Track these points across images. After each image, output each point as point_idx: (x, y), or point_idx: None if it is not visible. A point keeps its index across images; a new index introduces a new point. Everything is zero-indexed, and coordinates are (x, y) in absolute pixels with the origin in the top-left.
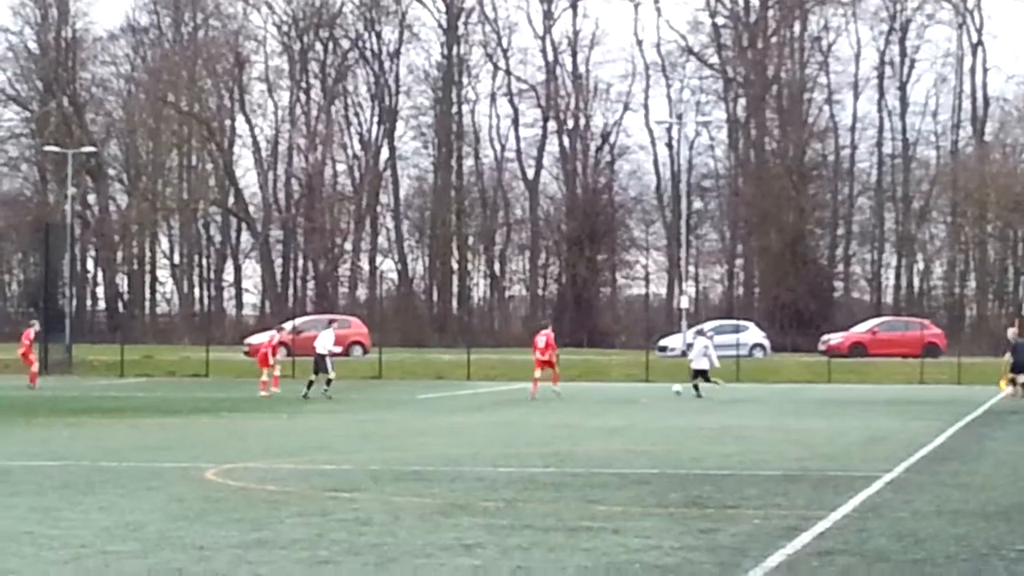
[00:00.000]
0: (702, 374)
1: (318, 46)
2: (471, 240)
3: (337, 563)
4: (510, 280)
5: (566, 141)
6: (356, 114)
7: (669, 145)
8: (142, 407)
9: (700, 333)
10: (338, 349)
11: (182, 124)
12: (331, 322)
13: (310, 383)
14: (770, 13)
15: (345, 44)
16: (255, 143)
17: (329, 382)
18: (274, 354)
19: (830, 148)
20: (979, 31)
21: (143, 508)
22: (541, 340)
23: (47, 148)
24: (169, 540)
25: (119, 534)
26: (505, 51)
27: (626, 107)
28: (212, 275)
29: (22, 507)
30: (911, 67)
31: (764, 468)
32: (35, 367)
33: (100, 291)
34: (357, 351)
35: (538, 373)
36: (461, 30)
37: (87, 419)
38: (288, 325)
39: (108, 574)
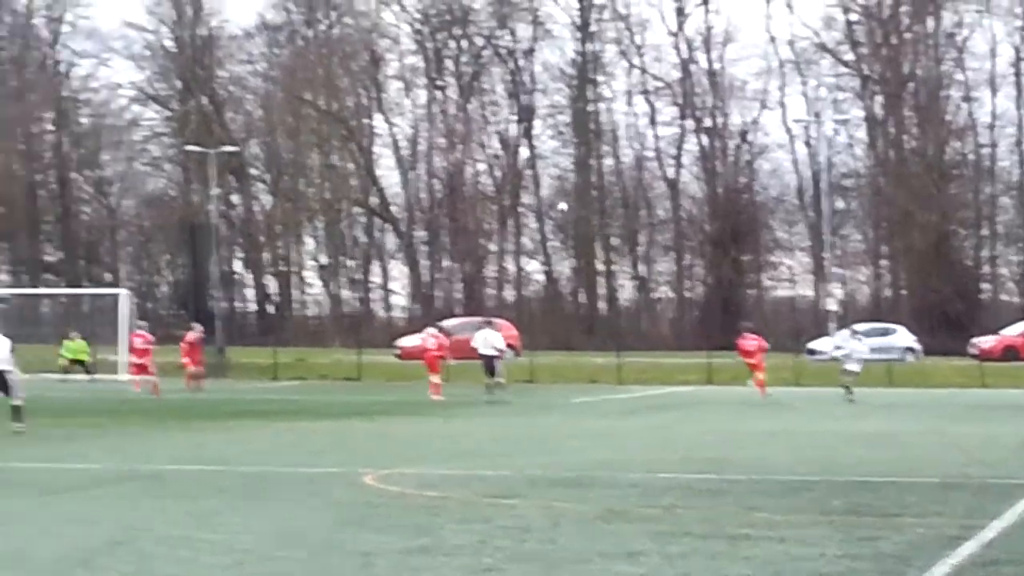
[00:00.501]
0: (851, 376)
1: (452, 44)
2: (615, 241)
3: (501, 570)
4: (655, 282)
5: (704, 139)
6: (494, 112)
7: (808, 144)
8: (297, 410)
9: (854, 334)
10: (504, 348)
11: (321, 123)
12: (488, 322)
13: (491, 384)
14: (903, 9)
15: (479, 42)
16: (394, 142)
17: (498, 385)
18: (441, 357)
19: (970, 146)
20: None
21: (303, 513)
22: (751, 343)
23: (188, 147)
24: (331, 546)
25: (282, 540)
26: (639, 48)
27: (763, 105)
28: (359, 276)
29: (181, 512)
30: None
31: (922, 475)
32: (193, 370)
33: (250, 293)
34: (509, 354)
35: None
36: (594, 27)
37: (242, 423)
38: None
39: None
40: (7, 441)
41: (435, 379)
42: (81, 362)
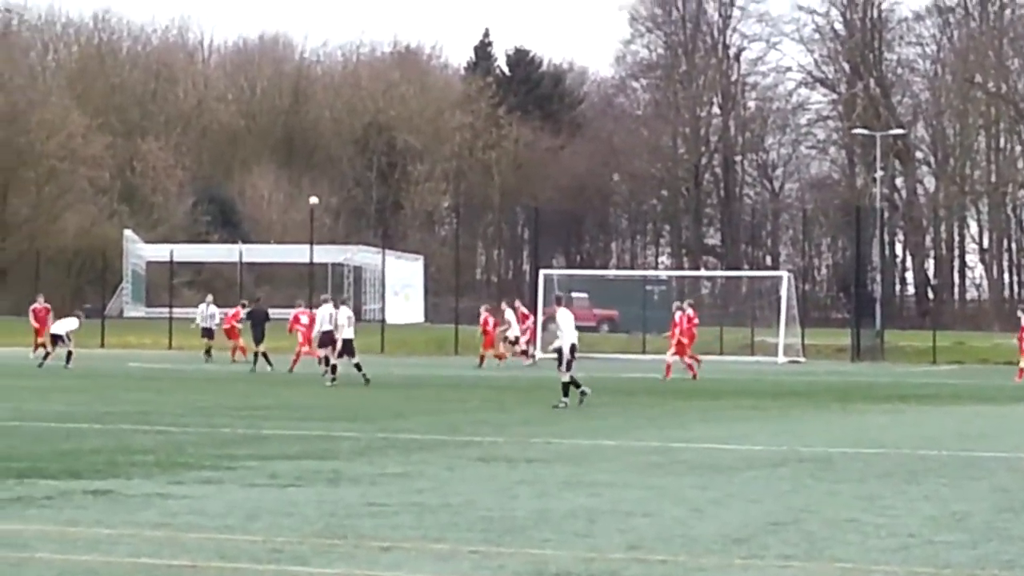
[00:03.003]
0: None
1: None
2: None
3: None
4: None
5: None
6: None
7: None
8: (957, 394)
9: None
10: None
11: (989, 105)
12: None
13: None
14: None
15: None
16: None
17: None
18: None
19: None
20: None
21: (968, 498)
22: None
23: (855, 131)
24: (996, 531)
25: (945, 524)
26: None
27: None
28: (1021, 261)
29: (846, 494)
30: None
31: None
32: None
33: (909, 276)
34: None
35: None
36: None
37: (903, 405)
38: None
39: (936, 564)
40: (672, 420)
41: None
42: None
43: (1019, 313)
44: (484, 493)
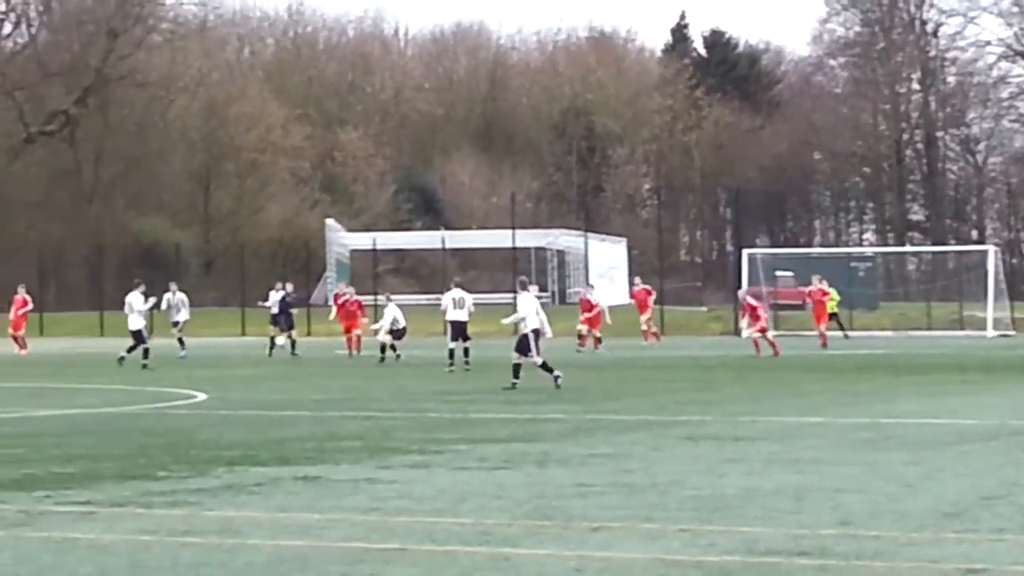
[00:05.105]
0: None
1: None
2: None
3: None
4: None
5: None
6: None
7: None
8: None
9: None
10: None
11: None
12: None
13: None
14: None
15: None
16: None
17: None
18: None
19: None
20: None
21: None
22: None
23: None
24: None
25: None
26: None
27: None
28: None
29: None
30: None
31: None
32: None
33: None
34: None
35: None
36: None
37: None
38: None
39: None
40: (879, 396)
41: None
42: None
43: None
44: (692, 472)
